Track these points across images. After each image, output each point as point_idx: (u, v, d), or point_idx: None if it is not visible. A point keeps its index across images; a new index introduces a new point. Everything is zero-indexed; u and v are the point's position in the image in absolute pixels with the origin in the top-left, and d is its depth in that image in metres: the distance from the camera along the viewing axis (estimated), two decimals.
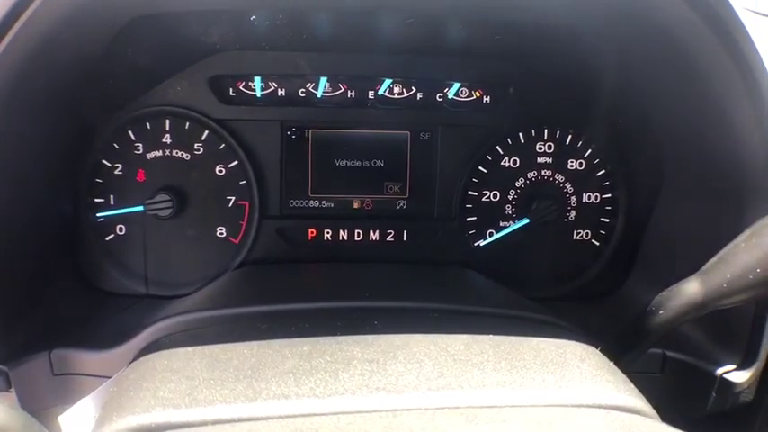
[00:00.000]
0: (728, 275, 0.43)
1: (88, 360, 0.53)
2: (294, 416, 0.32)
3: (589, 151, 0.61)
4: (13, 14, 0.38)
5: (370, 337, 0.40)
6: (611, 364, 0.43)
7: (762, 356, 0.54)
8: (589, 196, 0.63)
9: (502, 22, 0.54)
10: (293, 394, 0.34)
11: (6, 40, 0.43)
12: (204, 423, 0.32)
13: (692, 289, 0.45)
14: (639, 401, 0.39)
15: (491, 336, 0.42)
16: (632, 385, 0.42)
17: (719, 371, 0.55)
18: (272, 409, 0.34)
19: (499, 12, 0.50)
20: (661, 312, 0.47)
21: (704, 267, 0.46)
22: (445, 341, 0.41)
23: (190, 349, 0.42)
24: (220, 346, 0.41)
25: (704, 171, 0.49)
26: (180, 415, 0.35)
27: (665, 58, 0.47)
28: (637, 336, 0.50)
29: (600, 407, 0.37)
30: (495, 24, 0.56)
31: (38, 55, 0.43)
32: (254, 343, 0.39)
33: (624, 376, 0.42)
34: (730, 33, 0.44)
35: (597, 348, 0.45)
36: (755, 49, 0.43)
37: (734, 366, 0.55)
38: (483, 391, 0.35)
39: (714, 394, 0.55)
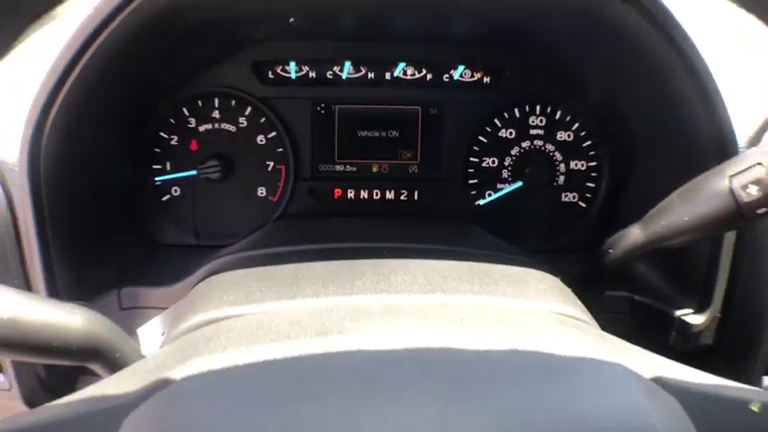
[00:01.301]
0: (663, 222, 0.51)
1: (151, 295, 0.63)
2: (321, 308, 0.41)
3: (576, 125, 0.69)
4: (103, 25, 0.46)
5: (379, 261, 0.48)
6: (565, 287, 0.50)
7: (716, 302, 0.59)
8: (576, 164, 0.71)
9: (488, 20, 0.63)
10: (321, 294, 0.43)
11: (93, 47, 0.49)
12: (258, 313, 0.42)
13: (634, 232, 0.54)
14: (581, 313, 0.46)
15: (472, 263, 0.50)
16: (579, 302, 0.48)
17: (678, 313, 0.61)
18: (306, 304, 0.43)
19: (467, 15, 0.59)
20: (611, 251, 0.56)
21: (646, 216, 0.54)
22: (435, 264, 0.49)
23: (242, 271, 0.50)
24: (267, 268, 0.49)
25: (668, 147, 0.58)
26: (240, 310, 0.43)
27: (624, 56, 0.55)
28: (595, 272, 0.58)
29: (543, 310, 0.44)
30: (485, 21, 0.64)
31: (119, 57, 0.51)
32: (293, 265, 0.49)
33: (573, 295, 0.49)
34: (673, 37, 0.51)
35: (558, 278, 0.52)
36: (698, 53, 0.51)
37: (692, 310, 0.61)
38: (457, 294, 0.44)
39: (674, 334, 0.61)
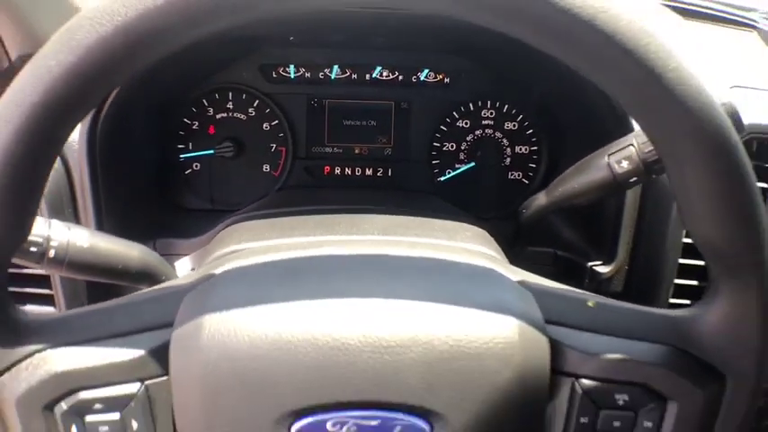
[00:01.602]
0: (560, 189, 0.63)
1: (180, 244, 0.76)
2: (312, 238, 0.53)
3: (520, 117, 0.83)
4: None
5: (354, 215, 0.60)
6: (489, 236, 0.59)
7: (621, 254, 0.69)
8: (520, 148, 0.84)
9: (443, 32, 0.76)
10: (311, 234, 0.54)
11: None
12: (275, 247, 0.49)
13: (540, 197, 0.68)
14: (494, 251, 0.54)
15: (422, 218, 0.61)
16: (496, 245, 0.57)
17: (590, 264, 0.71)
18: (301, 237, 0.54)
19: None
20: (524, 211, 0.69)
21: (551, 185, 0.65)
22: (391, 218, 0.60)
23: (253, 222, 0.62)
24: (271, 220, 0.61)
25: (583, 136, 0.72)
26: (254, 243, 0.53)
27: (544, 65, 0.68)
28: (517, 230, 0.71)
29: (462, 249, 0.52)
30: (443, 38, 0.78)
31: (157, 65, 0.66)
32: (291, 218, 0.63)
33: (493, 242, 0.58)
34: None
35: (486, 232, 0.61)
36: None
37: (601, 262, 0.71)
38: (402, 235, 0.54)
39: (587, 280, 0.71)
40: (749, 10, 1.09)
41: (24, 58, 0.76)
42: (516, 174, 0.85)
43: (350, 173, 0.85)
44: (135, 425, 0.40)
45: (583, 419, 0.42)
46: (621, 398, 0.41)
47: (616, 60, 0.33)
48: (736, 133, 0.36)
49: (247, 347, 0.38)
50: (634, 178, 0.56)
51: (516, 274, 0.47)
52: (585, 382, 0.41)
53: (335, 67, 0.83)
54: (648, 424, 0.42)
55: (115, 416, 0.40)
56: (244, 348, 0.38)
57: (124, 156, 0.72)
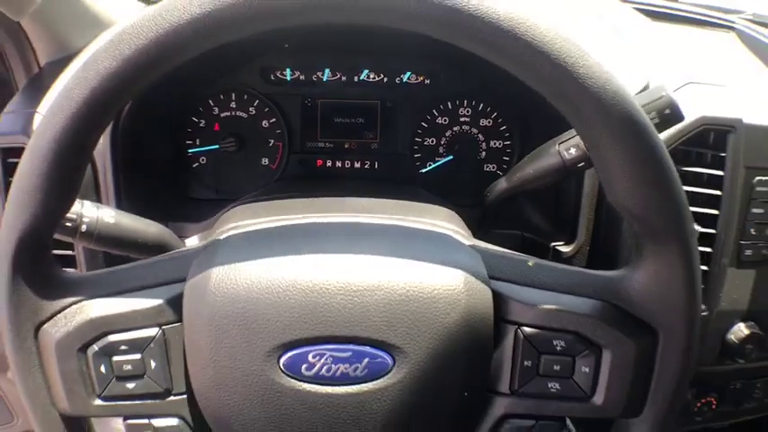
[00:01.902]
0: (518, 174, 0.68)
1: (189, 227, 0.83)
2: (305, 215, 0.57)
3: (494, 114, 0.89)
4: None
5: (341, 198, 0.65)
6: (457, 216, 0.62)
7: (581, 234, 0.74)
8: (494, 143, 0.90)
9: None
10: (304, 213, 0.57)
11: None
12: (268, 221, 0.55)
13: (501, 181, 0.72)
14: (460, 228, 0.57)
15: (398, 200, 0.65)
16: (463, 224, 0.60)
17: (553, 244, 0.77)
18: (296, 215, 0.56)
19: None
20: (488, 195, 0.75)
21: (510, 171, 0.71)
22: (371, 200, 0.64)
23: (254, 205, 0.65)
24: (270, 202, 0.65)
25: (552, 130, 0.76)
26: (255, 219, 0.56)
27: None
28: (482, 212, 0.77)
29: (428, 222, 0.56)
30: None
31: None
32: (285, 201, 0.66)
33: (461, 221, 0.61)
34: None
35: (455, 213, 0.64)
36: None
37: (563, 242, 0.76)
38: (380, 213, 0.57)
39: (550, 258, 0.76)
40: (731, 12, 1.14)
41: (53, 65, 0.82)
42: (491, 166, 0.92)
43: (340, 165, 0.91)
44: (153, 363, 0.47)
45: (526, 363, 0.47)
46: (559, 344, 0.47)
47: (535, 62, 0.39)
48: (646, 116, 0.41)
49: (245, 294, 0.45)
50: (581, 163, 0.62)
51: (469, 241, 0.53)
52: (527, 329, 0.47)
53: (327, 70, 0.88)
54: (585, 369, 0.47)
55: (137, 356, 0.47)
56: (242, 294, 0.45)
57: (140, 151, 0.80)
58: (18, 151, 0.73)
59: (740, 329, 0.77)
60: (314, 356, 0.45)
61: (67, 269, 0.66)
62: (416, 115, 0.90)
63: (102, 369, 0.47)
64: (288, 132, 0.91)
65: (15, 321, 0.46)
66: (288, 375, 0.45)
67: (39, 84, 0.80)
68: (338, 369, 0.45)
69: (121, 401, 0.48)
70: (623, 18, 0.89)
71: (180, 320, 0.48)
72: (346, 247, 0.48)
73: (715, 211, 0.71)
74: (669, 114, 0.58)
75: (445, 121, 0.91)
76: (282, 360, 0.45)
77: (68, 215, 0.59)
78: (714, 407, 0.87)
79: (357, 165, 0.92)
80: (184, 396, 0.48)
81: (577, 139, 0.62)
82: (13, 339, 0.46)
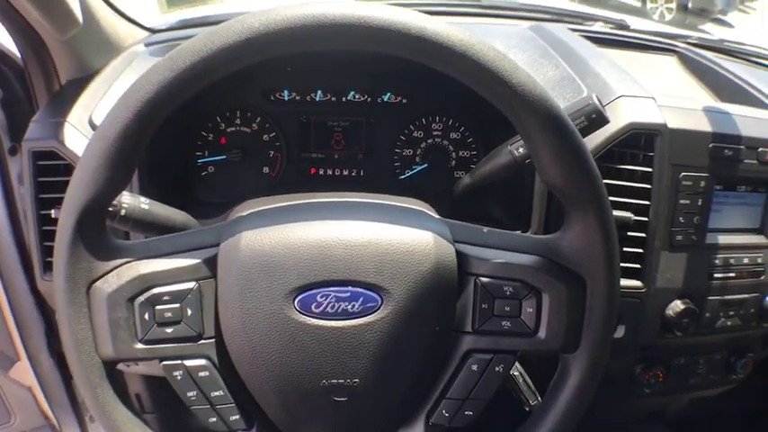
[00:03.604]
0: (478, 171, 0.79)
1: (201, 224, 0.88)
2: (304, 199, 0.63)
3: (462, 128, 1.01)
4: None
5: (333, 194, 0.69)
6: (430, 208, 0.65)
7: (535, 223, 0.82)
8: (463, 152, 1.01)
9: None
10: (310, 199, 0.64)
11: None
12: (285, 201, 0.62)
13: (465, 178, 0.83)
14: (433, 212, 0.63)
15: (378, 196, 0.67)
16: (432, 209, 0.65)
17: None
18: (296, 199, 0.63)
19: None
20: (455, 190, 0.85)
21: (472, 170, 0.80)
22: (357, 194, 0.67)
23: (259, 199, 0.69)
24: (272, 197, 0.68)
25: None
26: (267, 206, 0.62)
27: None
28: (451, 207, 0.81)
29: (408, 203, 0.63)
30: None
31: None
32: (293, 195, 0.69)
33: (432, 210, 0.64)
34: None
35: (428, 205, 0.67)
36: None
37: (520, 231, 0.84)
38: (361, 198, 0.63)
39: None
40: (677, 37, 1.30)
41: (73, 83, 0.90)
42: (460, 172, 1.01)
43: (331, 173, 1.01)
44: (189, 311, 0.55)
45: (484, 305, 0.57)
46: (508, 289, 0.57)
47: (483, 76, 0.49)
48: (564, 112, 0.51)
49: (269, 250, 0.55)
50: (528, 160, 0.71)
51: (438, 216, 0.61)
52: (483, 279, 0.57)
53: (319, 91, 0.98)
54: (530, 309, 0.57)
55: (176, 305, 0.55)
56: (266, 251, 0.55)
57: (157, 160, 0.91)
58: (48, 155, 0.84)
59: (677, 305, 0.86)
60: (321, 297, 0.55)
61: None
62: (396, 129, 1.01)
63: (146, 316, 0.54)
64: (286, 145, 1.00)
65: (71, 278, 0.53)
66: (301, 313, 0.55)
67: (62, 98, 0.88)
68: (340, 306, 0.55)
69: (160, 345, 0.55)
70: (571, 44, 1.03)
71: (213, 276, 0.56)
72: (344, 215, 0.58)
73: (647, 202, 0.81)
74: (596, 118, 0.69)
75: (420, 134, 1.01)
76: (297, 300, 0.54)
77: None
78: (661, 380, 0.98)
79: (345, 172, 1.02)
80: (213, 340, 0.57)
81: None
82: (67, 294, 0.53)
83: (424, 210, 0.62)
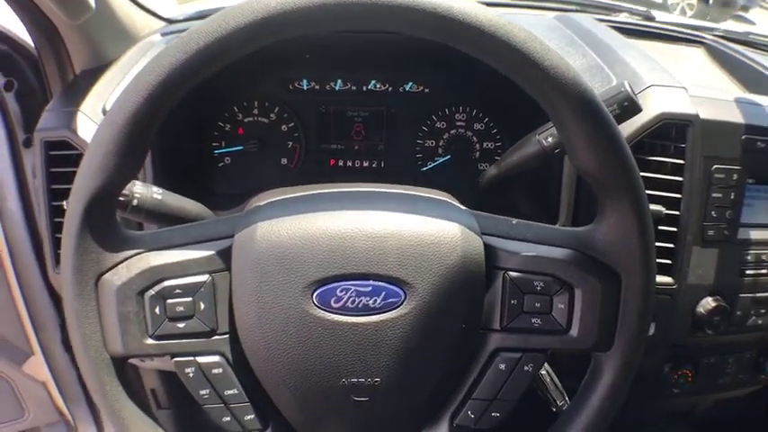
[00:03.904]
0: (505, 161, 0.77)
1: (218, 215, 0.89)
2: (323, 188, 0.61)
3: (486, 119, 0.99)
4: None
5: (357, 185, 0.68)
6: (454, 199, 0.63)
7: (563, 216, 0.81)
8: (487, 144, 1.00)
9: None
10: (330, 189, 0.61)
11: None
12: (304, 191, 0.60)
13: (491, 169, 0.81)
14: (458, 203, 0.61)
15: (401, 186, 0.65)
16: (459, 204, 0.61)
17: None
18: (317, 188, 0.61)
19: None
20: (481, 181, 0.84)
21: (498, 160, 0.79)
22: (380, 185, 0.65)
23: (277, 190, 0.66)
24: (298, 186, 0.64)
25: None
26: (290, 194, 0.59)
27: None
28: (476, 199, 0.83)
29: (432, 193, 0.61)
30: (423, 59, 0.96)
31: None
32: (312, 185, 0.66)
33: (458, 203, 0.61)
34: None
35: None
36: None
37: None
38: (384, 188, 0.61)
39: None
40: (704, 29, 1.28)
41: (88, 72, 0.89)
42: (484, 165, 1.00)
43: (350, 164, 1.00)
44: (202, 305, 0.53)
45: (513, 301, 0.55)
46: (539, 284, 0.54)
47: (513, 57, 0.47)
48: (598, 96, 0.49)
49: (286, 241, 0.53)
50: (557, 149, 0.70)
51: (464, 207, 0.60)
52: (512, 273, 0.54)
53: (339, 80, 0.97)
54: (561, 306, 0.54)
55: (188, 299, 0.53)
56: (284, 242, 0.52)
57: (173, 151, 0.90)
58: (60, 145, 0.82)
59: (707, 302, 0.84)
60: (341, 291, 0.52)
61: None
62: (417, 120, 0.99)
63: (157, 311, 0.52)
64: (304, 135, 0.99)
65: (79, 270, 0.51)
66: (319, 308, 0.52)
67: (76, 88, 0.87)
68: (360, 301, 0.52)
69: (171, 340, 0.53)
70: (598, 33, 1.01)
71: (227, 269, 0.54)
72: (365, 205, 0.55)
73: (678, 195, 0.79)
74: (628, 106, 0.67)
75: (443, 125, 1.00)
76: (315, 295, 0.52)
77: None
78: (690, 379, 0.95)
79: (366, 164, 1.01)
80: (227, 336, 0.54)
81: (553, 130, 0.70)
82: (75, 287, 0.51)
83: (449, 200, 0.60)
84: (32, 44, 0.91)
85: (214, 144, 1.01)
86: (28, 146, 0.96)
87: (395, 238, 0.53)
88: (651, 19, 1.32)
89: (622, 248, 0.53)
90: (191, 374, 0.54)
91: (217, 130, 1.00)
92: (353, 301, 0.52)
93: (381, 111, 0.99)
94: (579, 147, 0.51)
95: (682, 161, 0.78)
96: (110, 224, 0.53)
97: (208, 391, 0.54)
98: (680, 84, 0.83)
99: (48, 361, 1.01)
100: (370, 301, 0.53)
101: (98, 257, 0.52)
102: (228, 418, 0.55)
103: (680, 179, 0.79)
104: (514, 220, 0.58)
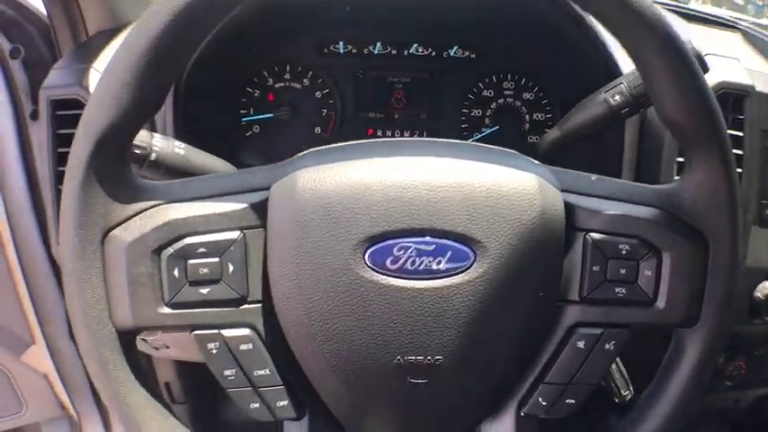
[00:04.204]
0: (568, 122, 0.73)
1: None
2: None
3: (536, 88, 0.94)
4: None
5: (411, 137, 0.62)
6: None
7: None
8: (536, 115, 0.94)
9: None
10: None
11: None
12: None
13: (552, 131, 0.78)
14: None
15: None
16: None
17: None
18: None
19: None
20: (540, 144, 0.79)
21: (559, 122, 0.75)
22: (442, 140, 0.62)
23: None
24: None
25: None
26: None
27: (549, 42, 0.79)
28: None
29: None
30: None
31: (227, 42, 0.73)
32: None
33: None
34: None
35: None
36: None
37: None
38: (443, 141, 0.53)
39: None
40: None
41: (102, 33, 0.85)
42: (534, 137, 0.95)
43: (390, 134, 0.93)
44: (231, 267, 0.46)
45: (595, 268, 0.48)
46: (624, 248, 0.48)
47: (613, 8, 0.44)
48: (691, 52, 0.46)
49: (333, 189, 0.45)
50: (625, 109, 0.66)
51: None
52: (594, 235, 0.48)
53: (378, 43, 0.91)
54: (648, 273, 0.49)
55: (215, 259, 0.46)
56: (330, 190, 0.45)
57: (196, 119, 0.83)
58: (69, 104, 0.75)
59: (765, 287, 0.80)
60: (399, 249, 0.45)
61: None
62: (463, 88, 0.94)
63: (176, 273, 0.45)
64: (340, 102, 0.94)
65: (82, 225, 0.44)
66: (372, 269, 0.45)
67: (89, 46, 0.82)
68: (422, 262, 0.45)
69: (192, 309, 0.46)
70: None
71: (262, 226, 0.47)
72: (428, 152, 0.49)
73: (739, 170, 0.74)
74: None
75: (490, 93, 0.95)
76: (368, 254, 0.45)
77: (138, 143, 0.60)
78: (743, 372, 0.89)
79: (407, 134, 0.95)
80: (258, 305, 0.47)
81: (621, 88, 0.67)
82: (77, 245, 0.44)
83: (519, 154, 0.54)
84: (43, 9, 0.86)
85: (242, 111, 0.94)
86: (35, 118, 0.89)
87: (464, 188, 0.46)
88: (686, 2, 1.29)
89: (710, 207, 0.48)
90: (214, 351, 0.46)
91: (245, 97, 0.93)
92: (413, 262, 0.45)
93: (424, 77, 0.93)
94: (668, 95, 0.46)
95: (741, 133, 0.75)
96: (121, 171, 0.46)
97: (234, 371, 0.47)
98: (733, 55, 0.82)
99: (51, 350, 0.95)
100: (434, 263, 0.45)
101: (106, 210, 0.44)
102: (257, 405, 0.48)
103: (740, 152, 0.75)
104: (593, 176, 0.52)
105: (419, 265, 0.45)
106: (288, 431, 0.51)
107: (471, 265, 0.46)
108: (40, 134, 0.83)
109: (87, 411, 1.03)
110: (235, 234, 0.46)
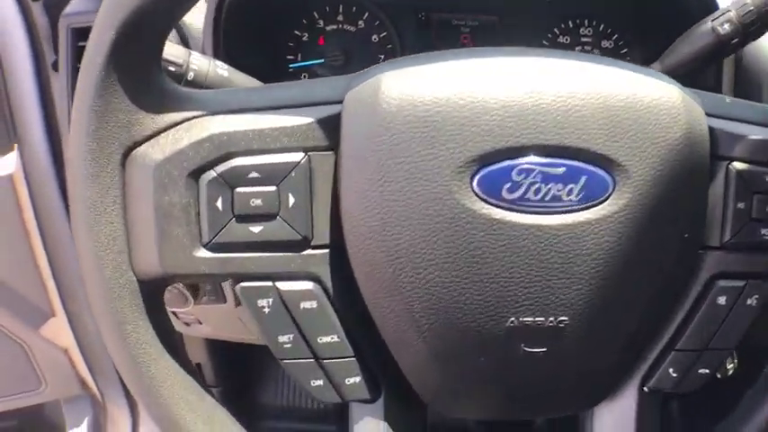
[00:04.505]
0: (672, 56, 0.67)
1: None
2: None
3: (616, 36, 0.87)
4: None
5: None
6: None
7: None
8: None
9: None
10: None
11: None
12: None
13: (654, 66, 0.68)
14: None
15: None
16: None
17: None
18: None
19: None
20: None
21: (662, 56, 0.69)
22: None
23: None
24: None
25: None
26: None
27: None
28: None
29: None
30: None
31: None
32: None
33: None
34: None
35: None
36: None
37: None
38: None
39: None
40: None
41: None
42: None
43: None
44: (291, 199, 0.38)
45: (739, 205, 0.41)
46: None
47: None
48: None
49: (430, 96, 0.37)
50: (735, 40, 0.62)
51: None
52: (738, 165, 0.41)
53: None
54: None
55: (271, 188, 0.37)
56: (426, 94, 0.37)
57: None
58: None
59: None
60: (519, 173, 0.36)
61: None
62: (536, 33, 0.88)
63: (219, 204, 0.36)
64: (400, 47, 0.87)
65: (98, 138, 0.34)
66: (483, 200, 0.36)
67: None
68: (549, 190, 0.37)
69: (238, 253, 0.37)
70: None
71: (332, 147, 0.38)
72: (552, 55, 0.41)
73: None
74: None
75: (566, 40, 0.88)
76: (477, 178, 0.36)
77: (172, 58, 0.51)
78: None
79: None
80: (326, 250, 0.39)
81: (729, 15, 0.62)
82: (90, 164, 0.34)
83: None
84: None
85: (289, 57, 0.87)
86: (57, 69, 0.81)
87: (601, 99, 0.37)
88: None
89: None
90: (266, 310, 0.38)
91: (293, 41, 0.86)
92: (538, 190, 0.37)
93: (493, 20, 0.88)
94: None
95: None
96: (150, 72, 0.36)
97: (291, 336, 0.38)
98: None
99: (72, 323, 0.90)
100: (564, 191, 0.37)
101: (129, 120, 0.35)
102: (320, 382, 0.39)
103: None
104: (728, 98, 0.46)
105: (545, 194, 0.37)
106: (356, 416, 0.42)
107: (610, 194, 0.37)
108: (60, 79, 0.76)
109: (110, 390, 0.98)
110: (297, 156, 0.37)
